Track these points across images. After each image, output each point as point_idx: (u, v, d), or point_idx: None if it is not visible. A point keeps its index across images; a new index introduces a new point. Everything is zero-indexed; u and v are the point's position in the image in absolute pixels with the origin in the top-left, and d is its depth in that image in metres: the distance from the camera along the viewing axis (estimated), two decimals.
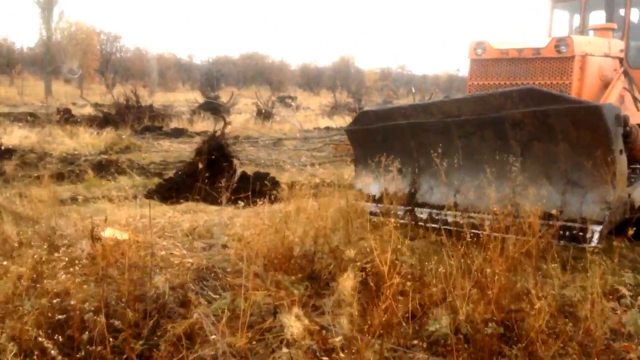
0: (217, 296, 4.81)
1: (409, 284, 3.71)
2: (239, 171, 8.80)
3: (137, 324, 3.89)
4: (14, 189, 6.11)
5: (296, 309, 3.71)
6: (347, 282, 3.76)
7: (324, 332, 3.98)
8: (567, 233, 5.26)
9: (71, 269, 3.32)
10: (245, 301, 4.22)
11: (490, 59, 7.09)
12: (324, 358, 3.79)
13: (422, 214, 6.39)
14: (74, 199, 8.10)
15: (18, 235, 4.94)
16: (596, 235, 5.10)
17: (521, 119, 5.50)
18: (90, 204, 7.88)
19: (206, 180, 8.29)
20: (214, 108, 20.63)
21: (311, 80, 56.09)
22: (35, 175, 8.14)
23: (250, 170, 9.81)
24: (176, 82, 48.67)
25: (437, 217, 6.15)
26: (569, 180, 5.41)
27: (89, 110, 18.74)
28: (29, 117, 16.13)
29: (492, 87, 7.05)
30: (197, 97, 31.23)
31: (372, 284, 3.30)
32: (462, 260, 4.21)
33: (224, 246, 6.08)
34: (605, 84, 6.84)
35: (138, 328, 3.87)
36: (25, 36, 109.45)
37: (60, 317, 3.19)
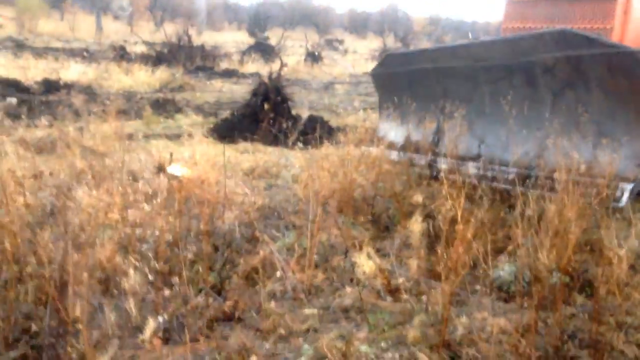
0: (280, 235, 4.96)
1: (477, 230, 3.75)
2: (304, 114, 8.90)
3: (210, 257, 4.05)
4: (82, 123, 6.30)
5: (368, 249, 3.81)
6: (415, 226, 3.82)
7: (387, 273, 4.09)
8: (595, 190, 4.69)
9: (153, 201, 3.46)
10: (310, 240, 4.35)
11: (527, 0, 6.76)
12: (388, 298, 3.91)
13: (444, 164, 5.89)
14: (134, 136, 8.30)
15: (90, 169, 5.12)
16: (626, 194, 4.69)
17: (553, 64, 5.11)
18: (150, 140, 8.08)
19: (264, 122, 8.40)
20: (263, 49, 20.56)
21: (358, 25, 55.22)
22: (99, 110, 8.33)
23: (303, 113, 9.86)
24: (222, 23, 48.46)
25: (460, 169, 5.59)
26: (602, 133, 4.94)
27: (141, 48, 18.87)
28: (85, 53, 16.34)
29: (527, 30, 6.74)
30: (244, 38, 31.11)
31: (443, 227, 3.36)
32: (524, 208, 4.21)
33: (285, 187, 6.21)
34: None
35: (210, 261, 4.03)
36: None
37: (145, 246, 3.35)
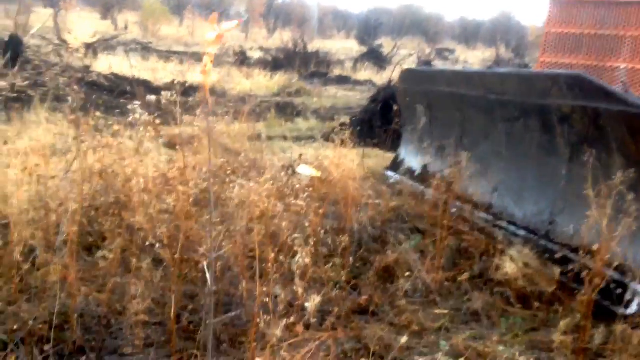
0: (405, 237, 5.10)
1: None
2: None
3: (343, 254, 4.25)
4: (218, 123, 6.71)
5: (512, 251, 3.90)
6: None
7: None
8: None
9: (301, 195, 3.70)
10: (436, 244, 4.48)
11: (574, 1, 6.11)
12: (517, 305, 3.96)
13: (454, 208, 5.17)
14: (258, 137, 8.70)
15: (229, 165, 5.46)
16: (637, 299, 3.60)
17: (570, 113, 4.23)
18: (274, 141, 8.45)
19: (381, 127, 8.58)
20: (376, 57, 20.78)
21: (468, 34, 54.41)
22: (228, 110, 8.82)
23: None
24: (332, 30, 49.22)
25: (469, 217, 5.01)
26: (620, 207, 3.61)
27: (258, 54, 19.59)
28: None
29: (573, 37, 6.11)
30: (354, 46, 31.47)
31: None
32: None
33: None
34: None
35: (344, 258, 4.22)
36: None
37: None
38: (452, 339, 3.44)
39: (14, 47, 11.64)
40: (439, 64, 24.81)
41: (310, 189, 4.05)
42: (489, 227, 4.72)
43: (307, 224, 3.51)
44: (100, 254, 3.53)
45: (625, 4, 5.49)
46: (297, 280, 2.58)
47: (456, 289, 4.18)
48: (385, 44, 28.90)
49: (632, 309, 3.56)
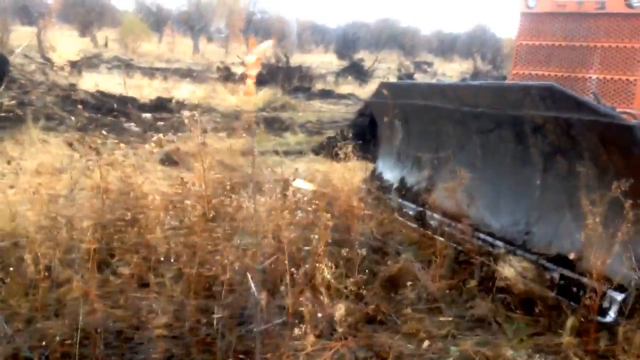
0: (401, 248, 5.22)
1: None
2: None
3: (347, 264, 4.35)
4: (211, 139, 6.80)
5: (511, 257, 4.03)
6: None
7: None
8: (580, 291, 3.78)
9: (308, 208, 3.82)
10: (434, 255, 4.62)
11: (544, 14, 6.07)
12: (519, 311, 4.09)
13: (433, 220, 5.27)
14: (250, 152, 8.79)
15: (229, 180, 5.55)
16: (615, 307, 3.58)
17: (542, 123, 4.23)
18: (265, 156, 8.55)
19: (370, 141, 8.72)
20: (357, 71, 21.02)
21: (445, 47, 55.13)
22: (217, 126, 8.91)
23: None
24: (310, 45, 49.61)
25: (446, 229, 4.96)
26: (595, 217, 3.73)
27: (241, 69, 19.70)
28: (194, 74, 17.26)
29: (544, 49, 6.10)
30: (333, 60, 31.74)
31: None
32: None
33: None
34: None
35: (348, 268, 4.33)
36: None
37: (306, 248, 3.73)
38: (460, 345, 3.55)
39: (0, 66, 11.62)
40: (419, 77, 25.13)
41: (316, 202, 4.18)
42: (467, 239, 4.73)
43: (316, 237, 3.61)
44: (118, 269, 3.59)
45: (594, 16, 5.57)
46: (322, 291, 2.66)
47: (458, 296, 4.31)
48: (364, 57, 29.20)
49: (609, 317, 3.57)
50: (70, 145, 4.54)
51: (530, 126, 4.37)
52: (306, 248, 3.18)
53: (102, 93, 12.47)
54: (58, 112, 9.88)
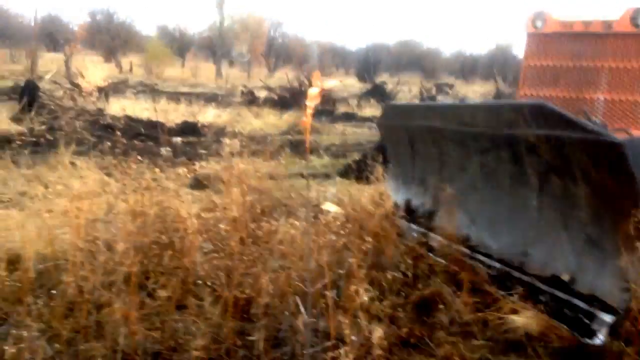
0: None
1: None
2: None
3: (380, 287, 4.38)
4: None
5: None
6: None
7: None
8: (571, 313, 3.80)
9: (340, 232, 3.86)
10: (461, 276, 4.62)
11: (551, 34, 6.08)
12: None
13: (435, 242, 5.27)
14: (276, 175, 8.87)
15: (259, 203, 5.62)
16: (604, 330, 3.53)
17: (536, 142, 4.18)
18: (292, 179, 8.62)
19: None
20: (380, 94, 21.13)
21: (465, 68, 55.21)
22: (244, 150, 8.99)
23: None
24: (331, 68, 49.96)
25: (448, 251, 4.98)
26: (588, 237, 3.87)
27: (264, 93, 19.94)
28: (218, 98, 17.48)
29: (551, 69, 6.11)
30: (354, 83, 31.91)
31: None
32: None
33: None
34: None
35: (381, 293, 4.35)
36: (194, 22, 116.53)
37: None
38: None
39: (30, 92, 11.90)
40: (441, 99, 25.16)
41: (348, 224, 4.22)
42: (467, 260, 4.73)
43: (352, 260, 3.65)
44: (155, 291, 3.65)
45: (601, 36, 5.52)
46: (360, 314, 2.69)
47: (491, 320, 4.30)
48: (385, 80, 29.33)
49: (598, 340, 3.49)
50: (105, 169, 4.67)
51: (525, 145, 4.34)
52: (340, 272, 3.20)
53: (129, 118, 12.69)
54: (87, 136, 10.07)
